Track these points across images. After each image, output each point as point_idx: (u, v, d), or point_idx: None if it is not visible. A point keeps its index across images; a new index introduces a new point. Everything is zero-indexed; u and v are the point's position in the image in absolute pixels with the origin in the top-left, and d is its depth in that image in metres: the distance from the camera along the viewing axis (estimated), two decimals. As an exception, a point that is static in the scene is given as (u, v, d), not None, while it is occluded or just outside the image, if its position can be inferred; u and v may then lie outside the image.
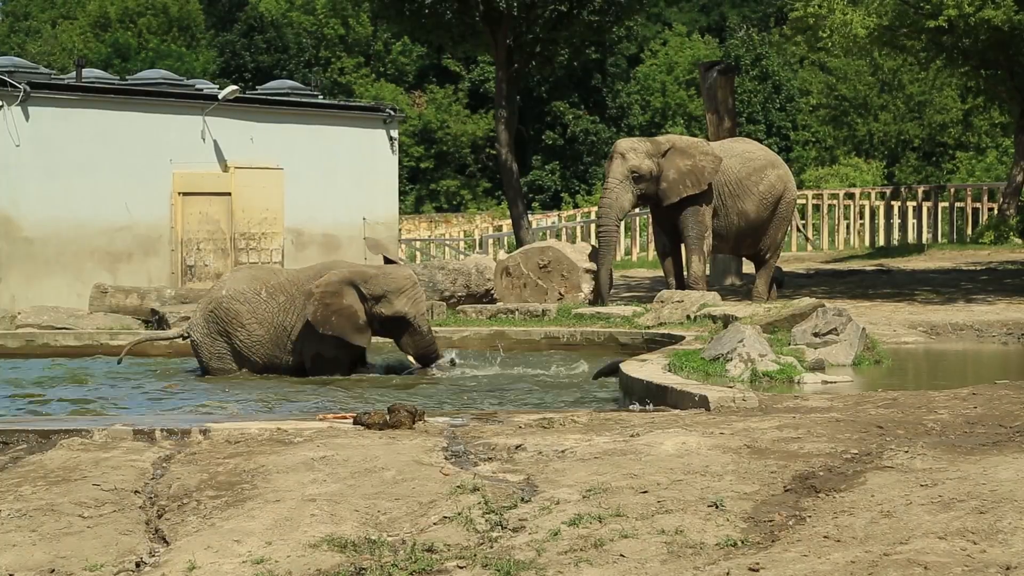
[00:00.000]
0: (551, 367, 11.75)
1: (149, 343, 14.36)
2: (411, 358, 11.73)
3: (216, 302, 11.87)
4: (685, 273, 15.91)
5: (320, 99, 25.44)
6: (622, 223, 16.59)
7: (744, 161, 16.08)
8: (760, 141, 48.92)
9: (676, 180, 15.24)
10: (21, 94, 19.59)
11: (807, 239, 28.84)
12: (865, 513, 4.84)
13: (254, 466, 5.89)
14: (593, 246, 16.50)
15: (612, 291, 16.45)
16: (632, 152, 15.29)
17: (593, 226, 31.77)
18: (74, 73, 22.38)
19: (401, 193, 31.93)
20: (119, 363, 12.25)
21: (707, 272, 16.01)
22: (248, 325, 11.68)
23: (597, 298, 15.30)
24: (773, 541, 4.63)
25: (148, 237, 21.00)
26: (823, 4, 25.26)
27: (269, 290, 11.79)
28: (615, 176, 15.25)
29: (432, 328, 12.15)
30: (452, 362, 11.78)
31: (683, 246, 15.78)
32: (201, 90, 23.31)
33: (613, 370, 10.37)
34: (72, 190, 20.13)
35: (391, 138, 24.12)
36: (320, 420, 7.20)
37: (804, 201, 32.87)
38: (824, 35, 25.36)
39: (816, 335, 10.54)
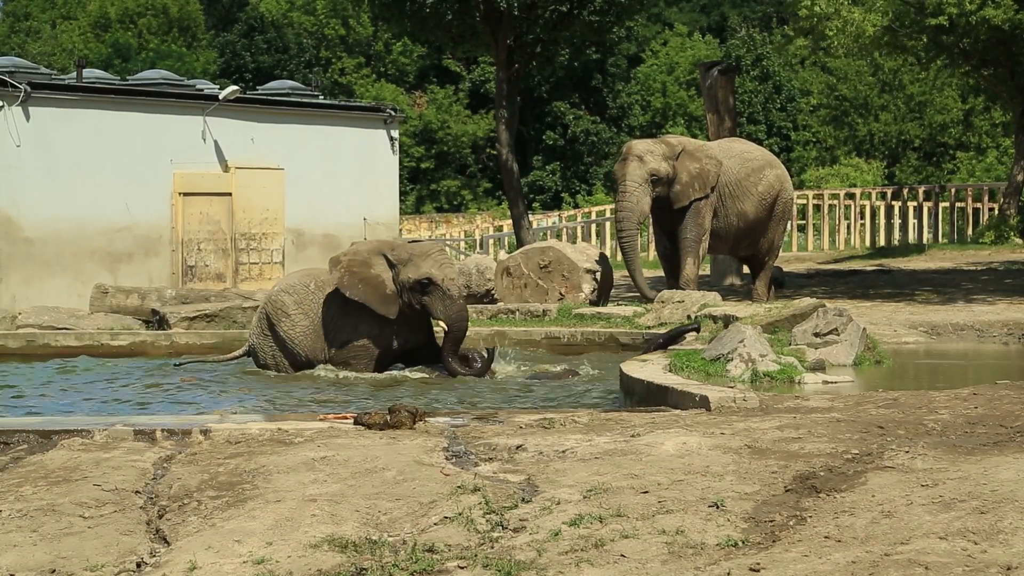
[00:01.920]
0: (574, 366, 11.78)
1: (150, 344, 14.40)
2: (443, 324, 11.49)
3: (267, 298, 11.99)
4: (681, 274, 15.76)
5: (321, 99, 25.45)
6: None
7: (743, 162, 16.03)
8: (760, 141, 49.09)
9: (688, 183, 15.14)
10: (22, 94, 19.61)
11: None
12: (866, 513, 4.84)
13: (255, 466, 5.89)
14: (593, 247, 16.49)
15: (613, 291, 16.42)
16: (649, 155, 15.08)
17: (594, 227, 31.92)
18: (74, 73, 22.39)
19: (402, 193, 31.94)
20: (177, 365, 12.28)
21: (698, 275, 15.87)
22: (293, 315, 11.64)
23: (643, 299, 15.22)
24: (774, 541, 4.63)
25: (148, 237, 21.01)
26: (830, 3, 25.24)
27: (318, 283, 11.79)
28: (633, 179, 14.98)
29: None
30: (490, 353, 11.55)
31: (679, 247, 15.67)
32: (202, 90, 23.32)
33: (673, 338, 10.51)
34: (73, 190, 20.14)
35: (392, 138, 24.13)
36: (320, 420, 7.21)
37: (804, 201, 32.88)
38: (831, 34, 25.34)
39: (817, 335, 10.54)
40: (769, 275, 16.81)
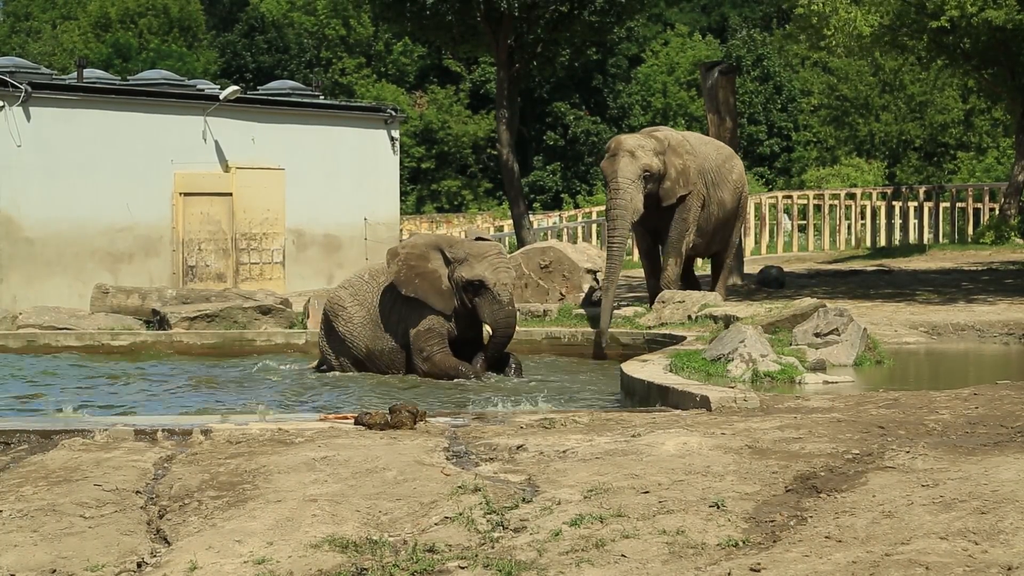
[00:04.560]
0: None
1: (151, 344, 14.41)
2: (488, 328, 11.44)
3: (327, 296, 12.00)
4: (663, 274, 14.91)
5: (321, 99, 25.46)
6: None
7: (716, 148, 15.46)
8: (761, 142, 49.16)
9: (676, 179, 14.43)
10: (22, 94, 19.62)
11: None
12: (866, 513, 4.84)
13: (255, 466, 5.89)
14: (594, 247, 16.36)
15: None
16: (640, 150, 14.15)
17: (595, 226, 31.87)
18: (75, 73, 22.42)
19: (402, 193, 31.95)
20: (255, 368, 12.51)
21: (680, 274, 15.24)
22: (349, 307, 11.69)
23: (599, 335, 13.25)
24: (774, 541, 4.63)
25: (149, 237, 21.02)
26: (827, 2, 25.22)
27: (372, 272, 11.90)
28: (626, 175, 13.90)
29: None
30: (518, 366, 11.64)
31: (667, 248, 14.84)
32: (202, 90, 23.35)
33: None
34: (73, 191, 20.15)
35: (392, 138, 24.14)
36: (321, 420, 7.21)
37: (805, 201, 32.87)
38: (828, 33, 25.31)
39: (817, 335, 10.54)
40: (730, 272, 16.36)
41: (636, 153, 14.06)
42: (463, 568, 4.50)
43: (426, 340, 11.46)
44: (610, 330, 13.23)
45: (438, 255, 11.58)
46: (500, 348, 11.52)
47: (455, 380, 11.20)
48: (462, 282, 11.40)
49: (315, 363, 12.59)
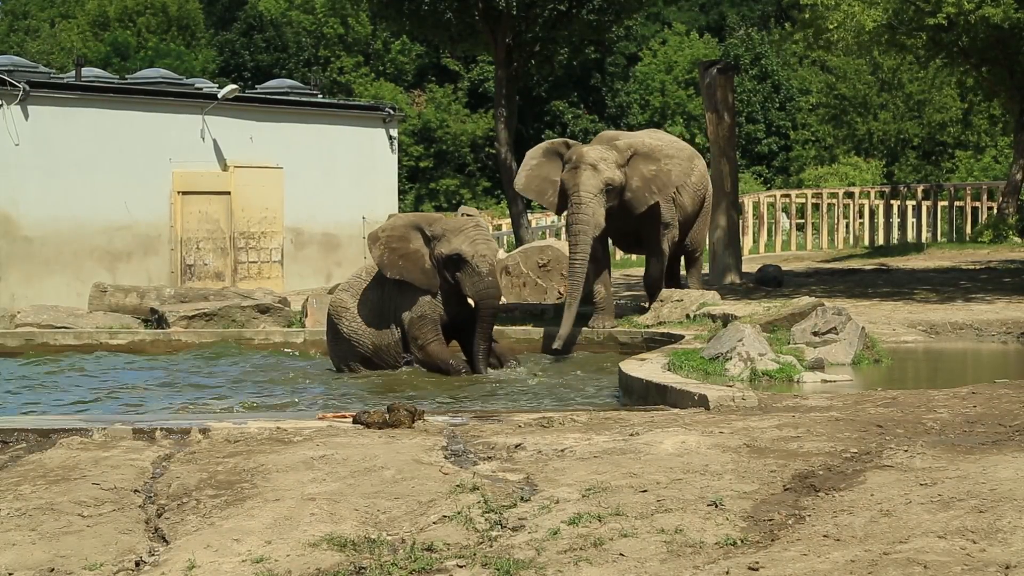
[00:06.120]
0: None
1: (149, 343, 14.41)
2: (471, 301, 11.48)
3: (329, 301, 12.07)
4: (646, 274, 14.57)
5: (319, 98, 25.47)
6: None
7: (677, 151, 14.60)
8: (759, 140, 49.14)
9: (641, 188, 13.71)
10: (20, 93, 19.61)
11: None
12: (865, 512, 4.84)
13: (254, 465, 5.89)
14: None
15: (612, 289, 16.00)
16: (603, 163, 13.36)
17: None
18: (73, 72, 22.42)
19: (400, 192, 31.95)
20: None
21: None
22: (351, 308, 11.69)
23: (551, 343, 12.65)
24: (773, 540, 4.63)
25: (148, 236, 21.02)
26: None
27: (368, 270, 11.89)
28: (588, 189, 13.12)
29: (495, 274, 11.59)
30: (516, 362, 11.67)
31: (648, 249, 14.44)
32: (200, 89, 23.35)
33: None
34: (72, 189, 20.15)
35: (390, 137, 24.15)
36: (319, 419, 7.21)
37: (804, 200, 32.89)
38: (832, 26, 25.30)
39: (815, 334, 10.54)
40: (700, 274, 15.94)
41: (599, 166, 13.39)
42: (461, 567, 4.50)
43: (419, 328, 11.46)
44: (610, 329, 13.24)
45: (418, 234, 11.56)
46: (489, 322, 11.42)
47: (452, 375, 11.19)
48: (442, 258, 11.37)
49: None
